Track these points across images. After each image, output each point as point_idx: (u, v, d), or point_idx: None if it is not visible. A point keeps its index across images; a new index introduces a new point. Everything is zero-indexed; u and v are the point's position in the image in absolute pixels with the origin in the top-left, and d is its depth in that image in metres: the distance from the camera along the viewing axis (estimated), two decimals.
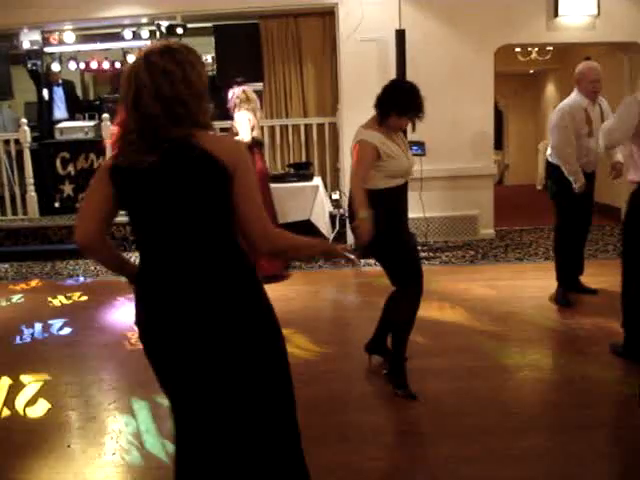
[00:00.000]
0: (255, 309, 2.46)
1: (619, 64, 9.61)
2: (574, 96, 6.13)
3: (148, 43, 10.70)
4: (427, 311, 5.94)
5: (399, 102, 4.31)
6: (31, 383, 4.85)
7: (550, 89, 15.06)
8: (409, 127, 5.30)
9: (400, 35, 7.99)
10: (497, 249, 8.28)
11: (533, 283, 6.88)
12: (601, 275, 6.84)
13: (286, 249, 2.55)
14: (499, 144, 16.20)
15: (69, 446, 3.93)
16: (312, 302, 6.65)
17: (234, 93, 7.07)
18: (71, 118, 10.67)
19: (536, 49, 12.87)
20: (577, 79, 6.12)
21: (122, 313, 6.37)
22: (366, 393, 4.50)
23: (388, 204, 4.35)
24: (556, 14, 8.46)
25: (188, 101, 2.32)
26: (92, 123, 10.04)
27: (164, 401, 4.53)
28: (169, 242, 2.39)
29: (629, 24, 8.65)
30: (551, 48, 12.60)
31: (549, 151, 6.20)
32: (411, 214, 7.98)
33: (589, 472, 3.51)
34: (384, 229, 4.24)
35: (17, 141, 9.36)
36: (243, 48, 8.92)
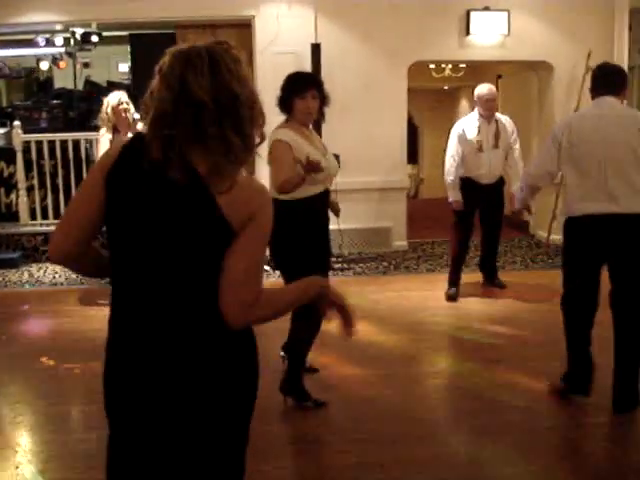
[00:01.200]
0: (226, 385, 1.98)
1: (529, 82, 9.94)
2: (470, 114, 6.89)
3: (62, 50, 10.53)
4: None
5: (294, 82, 4.26)
6: None
7: (464, 105, 15.42)
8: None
9: (316, 49, 8.09)
10: (409, 260, 8.44)
11: (442, 293, 7.02)
12: (510, 286, 7.06)
13: (268, 319, 2.04)
14: (414, 158, 16.50)
15: None
16: None
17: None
18: None
19: (450, 66, 13.17)
20: (475, 99, 6.80)
21: (31, 324, 6.23)
22: (275, 403, 4.51)
23: (308, 215, 4.21)
24: (468, 32, 8.70)
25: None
26: (3, 130, 9.81)
27: (69, 414, 4.50)
28: (147, 285, 1.92)
29: (538, 43, 8.95)
30: (464, 65, 12.92)
31: None
32: None
33: (496, 477, 3.62)
34: (301, 244, 4.15)
35: None
36: (160, 58, 8.84)
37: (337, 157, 7.86)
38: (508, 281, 7.18)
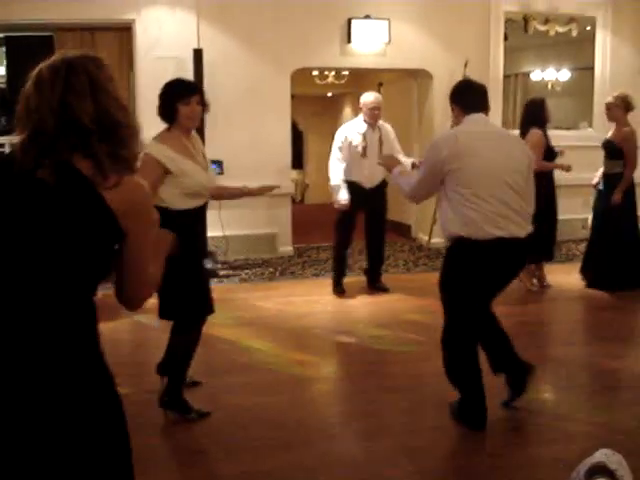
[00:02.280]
0: (91, 388, 1.92)
1: (409, 89, 10.16)
2: (355, 120, 7.07)
3: None
4: (225, 328, 5.99)
5: (177, 88, 4.14)
6: None
7: (347, 112, 15.65)
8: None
9: (197, 54, 8.01)
10: (295, 266, 8.48)
11: (328, 298, 7.10)
12: (393, 289, 7.19)
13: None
14: (300, 164, 16.61)
15: None
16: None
17: None
18: None
19: (332, 73, 13.34)
20: (360, 106, 6.97)
21: None
22: (159, 415, 4.42)
23: (184, 228, 3.94)
24: (349, 40, 8.82)
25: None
26: None
27: None
28: (19, 289, 1.84)
29: (418, 52, 9.19)
30: (347, 72, 13.10)
31: None
32: (211, 232, 8.09)
33: (379, 478, 3.67)
34: (177, 256, 4.07)
35: None
36: (37, 61, 8.54)
37: (221, 163, 7.95)
38: (391, 284, 7.31)
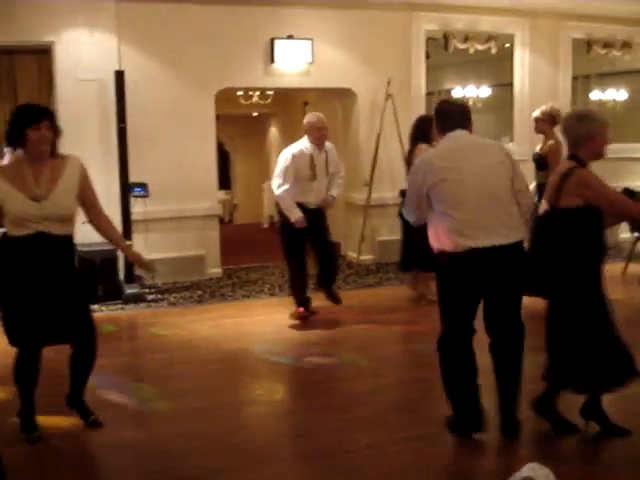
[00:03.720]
0: None
1: (334, 108, 10.21)
2: (302, 142, 6.81)
3: None
4: (154, 354, 5.88)
5: (26, 113, 4.05)
6: None
7: (273, 131, 15.64)
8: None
9: (119, 76, 7.89)
10: (225, 288, 8.38)
11: (259, 319, 7.05)
12: (324, 307, 7.17)
13: None
14: (227, 184, 16.53)
15: None
16: None
17: None
18: None
19: (257, 93, 13.33)
20: (306, 129, 6.78)
21: None
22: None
23: (6, 258, 4.12)
24: (273, 60, 8.82)
25: None
26: None
27: None
28: None
29: (341, 71, 9.25)
30: (271, 92, 13.11)
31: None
32: None
33: None
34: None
35: None
36: None
37: (145, 185, 7.84)
38: (321, 305, 7.29)
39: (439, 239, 4.08)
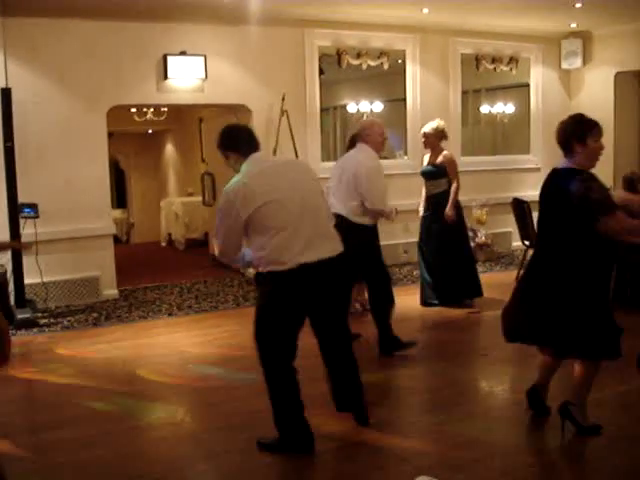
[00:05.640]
0: None
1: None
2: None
3: None
4: (49, 379, 5.69)
5: None
6: None
7: (169, 148, 15.47)
8: None
9: (6, 93, 7.61)
10: (121, 309, 8.17)
11: (157, 340, 6.91)
12: (224, 325, 7.11)
13: None
14: (123, 203, 16.23)
15: None
16: None
17: None
18: None
19: (151, 110, 13.15)
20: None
21: None
22: None
23: None
24: (166, 76, 8.70)
25: None
26: None
27: None
28: None
29: (235, 87, 9.21)
30: (166, 109, 12.96)
31: None
32: (28, 279, 7.70)
33: None
34: None
35: None
36: None
37: (35, 206, 7.59)
38: (221, 321, 7.20)
39: (266, 260, 4.05)
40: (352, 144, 7.07)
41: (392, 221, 6.47)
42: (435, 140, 7.53)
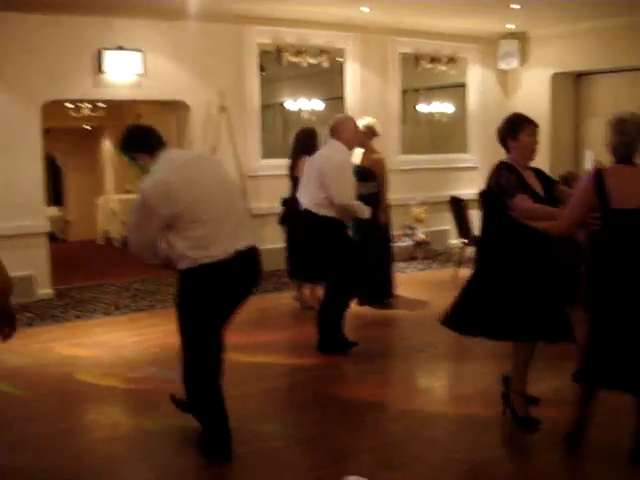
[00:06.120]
0: None
1: (168, 121, 10.02)
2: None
3: None
4: None
5: None
6: None
7: (107, 145, 15.21)
8: None
9: None
10: (56, 309, 8.00)
11: (93, 340, 6.79)
12: (161, 324, 7.02)
13: None
14: (59, 200, 15.89)
15: None
16: None
17: None
18: None
19: (89, 106, 12.91)
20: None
21: None
22: None
23: None
24: (101, 71, 8.55)
25: None
26: None
27: None
28: None
29: (173, 83, 9.11)
30: (104, 105, 12.74)
31: None
32: None
33: None
34: None
35: None
36: None
37: None
38: (159, 321, 7.10)
39: (193, 255, 3.99)
40: (299, 142, 7.08)
41: (366, 217, 6.34)
42: (366, 138, 7.35)
